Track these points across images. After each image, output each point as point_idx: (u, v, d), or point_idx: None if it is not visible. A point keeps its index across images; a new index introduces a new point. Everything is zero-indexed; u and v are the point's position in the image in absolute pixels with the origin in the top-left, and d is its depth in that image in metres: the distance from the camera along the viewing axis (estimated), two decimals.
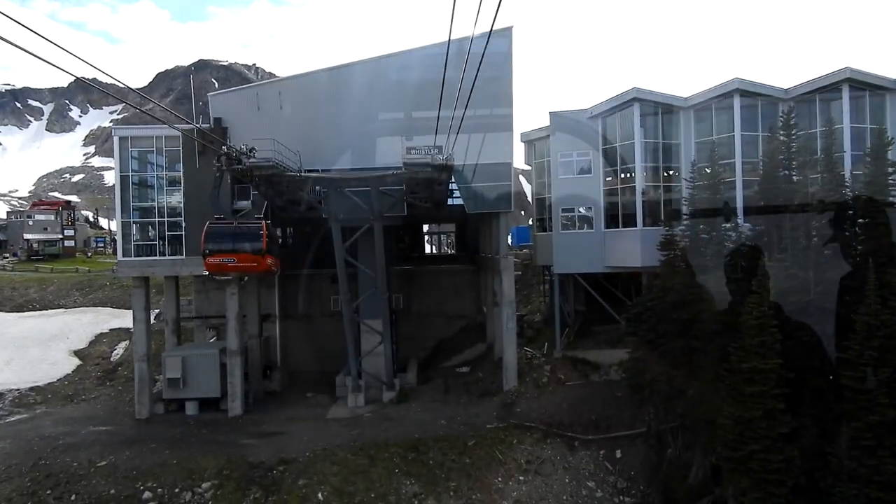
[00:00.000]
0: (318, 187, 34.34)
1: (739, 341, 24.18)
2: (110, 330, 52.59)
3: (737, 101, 33.07)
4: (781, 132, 28.54)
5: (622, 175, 35.78)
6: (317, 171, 32.42)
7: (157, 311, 53.21)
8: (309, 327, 47.29)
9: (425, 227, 70.72)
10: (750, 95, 33.23)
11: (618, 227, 35.82)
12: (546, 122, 38.51)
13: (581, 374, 36.10)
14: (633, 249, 34.74)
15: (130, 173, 36.21)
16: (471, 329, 47.95)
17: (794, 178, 28.02)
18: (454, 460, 29.04)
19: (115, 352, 48.96)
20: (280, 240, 44.48)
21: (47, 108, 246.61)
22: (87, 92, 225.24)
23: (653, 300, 27.71)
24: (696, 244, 27.08)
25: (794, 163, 28.07)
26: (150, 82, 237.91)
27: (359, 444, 30.40)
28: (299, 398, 39.91)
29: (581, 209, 37.51)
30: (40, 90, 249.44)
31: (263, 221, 29.36)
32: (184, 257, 35.50)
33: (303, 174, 29.58)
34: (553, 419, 31.48)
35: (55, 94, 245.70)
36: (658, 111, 35.03)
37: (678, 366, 26.61)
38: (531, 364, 37.34)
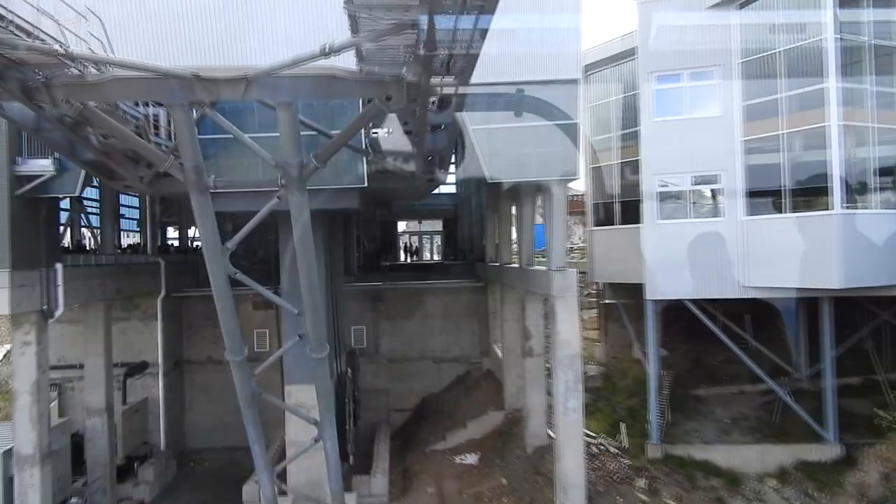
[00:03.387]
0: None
1: None
2: None
3: None
4: None
5: (786, 111, 18.51)
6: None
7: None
8: (217, 379, 29.45)
9: (401, 226, 52.59)
10: None
11: (779, 213, 18.57)
12: (607, 38, 21.58)
13: (706, 494, 18.74)
14: (821, 255, 17.47)
15: None
16: (473, 382, 30.27)
17: None
18: None
19: None
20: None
21: None
22: None
23: None
24: None
25: None
26: None
27: None
28: None
29: (695, 180, 20.22)
30: None
31: None
32: None
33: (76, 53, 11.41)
34: None
35: None
36: None
37: None
38: (604, 469, 19.81)
